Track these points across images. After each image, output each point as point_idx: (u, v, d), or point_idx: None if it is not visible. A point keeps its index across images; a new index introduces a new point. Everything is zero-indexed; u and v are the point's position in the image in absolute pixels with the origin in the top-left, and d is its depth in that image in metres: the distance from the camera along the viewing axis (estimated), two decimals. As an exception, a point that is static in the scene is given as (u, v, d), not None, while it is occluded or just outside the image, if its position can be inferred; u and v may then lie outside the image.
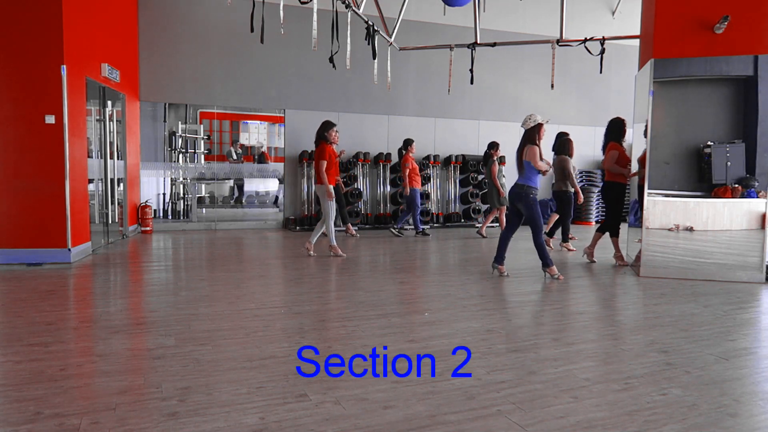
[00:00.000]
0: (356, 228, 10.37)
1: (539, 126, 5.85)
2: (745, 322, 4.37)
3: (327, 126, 7.20)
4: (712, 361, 3.35)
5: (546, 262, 5.87)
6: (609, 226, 6.90)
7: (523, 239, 9.28)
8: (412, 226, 10.12)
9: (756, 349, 3.65)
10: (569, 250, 8.00)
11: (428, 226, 10.97)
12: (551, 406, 2.66)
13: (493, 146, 9.37)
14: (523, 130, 5.97)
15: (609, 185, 6.88)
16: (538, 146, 5.82)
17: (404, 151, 9.68)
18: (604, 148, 7.00)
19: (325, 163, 7.02)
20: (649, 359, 3.38)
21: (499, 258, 6.03)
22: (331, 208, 7.08)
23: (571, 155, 8.04)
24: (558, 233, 8.62)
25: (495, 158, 9.27)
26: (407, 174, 9.46)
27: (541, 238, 5.84)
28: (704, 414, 2.61)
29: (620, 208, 6.88)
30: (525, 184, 5.82)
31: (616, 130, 6.91)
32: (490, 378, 3.02)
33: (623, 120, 6.93)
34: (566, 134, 8.20)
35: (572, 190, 8.03)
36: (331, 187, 7.06)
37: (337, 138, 9.34)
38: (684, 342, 3.72)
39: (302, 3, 5.97)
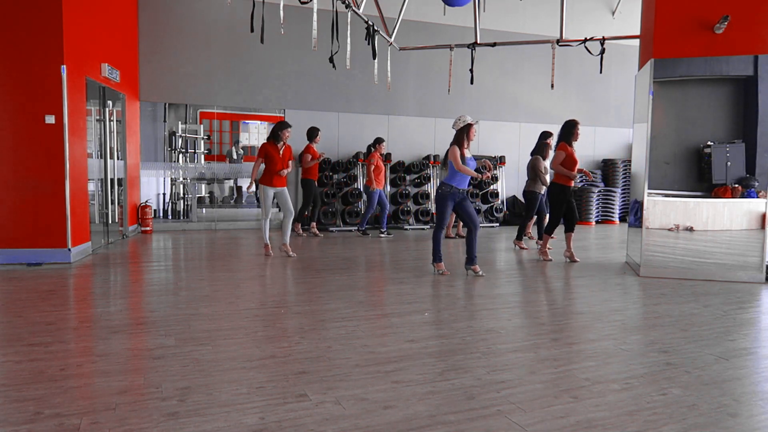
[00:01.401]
0: (355, 228, 10.35)
1: (468, 126, 5.90)
2: (745, 322, 4.37)
3: (281, 126, 7.10)
4: (712, 361, 3.35)
5: (436, 258, 6.07)
6: (550, 223, 7.07)
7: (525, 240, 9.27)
8: (379, 225, 9.99)
9: (756, 349, 3.65)
10: (521, 248, 8.13)
11: (428, 226, 10.97)
12: (551, 406, 2.66)
13: None
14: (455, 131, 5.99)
15: (553, 186, 7.02)
16: (466, 147, 5.91)
17: (372, 149, 9.59)
18: (555, 149, 7.13)
19: (261, 161, 7.02)
20: (649, 359, 3.38)
21: (470, 259, 6.03)
22: (266, 207, 7.10)
23: (545, 157, 8.15)
24: (559, 231, 8.62)
25: None
26: (371, 170, 9.37)
27: (440, 233, 6.03)
28: (704, 414, 2.61)
29: (561, 209, 6.97)
30: (444, 182, 5.95)
31: (566, 131, 6.99)
32: (490, 378, 3.02)
33: (576, 122, 7.01)
34: (549, 134, 8.28)
35: (541, 191, 8.14)
36: (269, 188, 7.05)
37: (319, 138, 9.33)
38: (684, 342, 3.73)
39: (302, 3, 5.97)
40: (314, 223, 9.69)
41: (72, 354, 3.36)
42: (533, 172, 8.13)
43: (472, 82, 8.94)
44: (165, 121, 10.36)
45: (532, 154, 8.29)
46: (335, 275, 6.02)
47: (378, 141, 9.59)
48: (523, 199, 8.50)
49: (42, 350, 3.39)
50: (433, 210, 11.26)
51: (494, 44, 9.08)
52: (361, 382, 2.93)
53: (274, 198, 7.16)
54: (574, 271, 6.46)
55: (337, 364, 3.19)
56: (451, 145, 5.93)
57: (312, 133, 9.22)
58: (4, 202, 6.31)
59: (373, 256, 7.56)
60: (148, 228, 9.56)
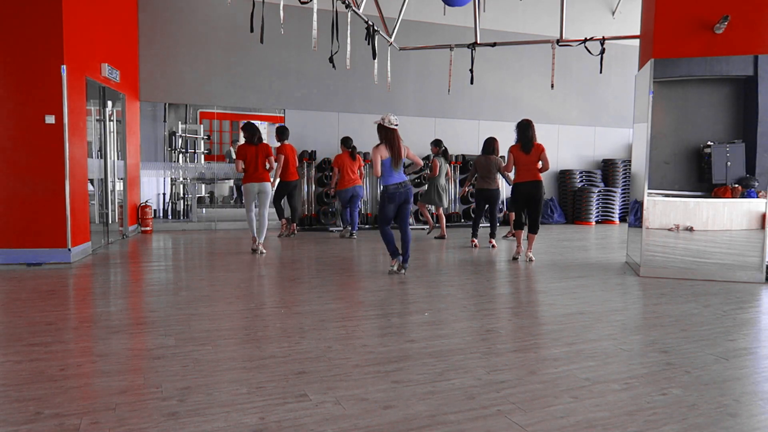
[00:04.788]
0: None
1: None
2: (745, 322, 4.37)
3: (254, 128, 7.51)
4: (712, 361, 3.35)
5: (394, 254, 6.11)
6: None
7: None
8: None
9: (756, 349, 3.65)
10: (492, 246, 8.45)
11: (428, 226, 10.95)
12: (551, 406, 2.66)
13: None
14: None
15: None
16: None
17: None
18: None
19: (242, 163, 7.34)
20: (649, 359, 3.38)
21: (396, 252, 6.10)
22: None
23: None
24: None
25: (434, 155, 9.12)
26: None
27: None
28: (704, 414, 2.61)
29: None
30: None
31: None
32: (490, 378, 3.02)
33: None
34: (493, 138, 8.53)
35: (494, 187, 8.36)
36: (254, 184, 7.41)
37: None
38: (684, 342, 3.73)
39: (302, 3, 5.97)
40: (294, 224, 9.59)
41: (72, 354, 3.36)
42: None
43: (472, 82, 8.94)
44: (165, 121, 10.36)
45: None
46: (335, 275, 6.02)
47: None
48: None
49: (42, 350, 3.38)
50: (434, 210, 11.25)
51: (494, 44, 9.07)
52: (361, 382, 2.93)
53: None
54: (574, 271, 6.46)
55: (337, 364, 3.19)
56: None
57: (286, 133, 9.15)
58: (4, 201, 6.31)
59: (373, 256, 7.55)
60: (148, 228, 9.56)
